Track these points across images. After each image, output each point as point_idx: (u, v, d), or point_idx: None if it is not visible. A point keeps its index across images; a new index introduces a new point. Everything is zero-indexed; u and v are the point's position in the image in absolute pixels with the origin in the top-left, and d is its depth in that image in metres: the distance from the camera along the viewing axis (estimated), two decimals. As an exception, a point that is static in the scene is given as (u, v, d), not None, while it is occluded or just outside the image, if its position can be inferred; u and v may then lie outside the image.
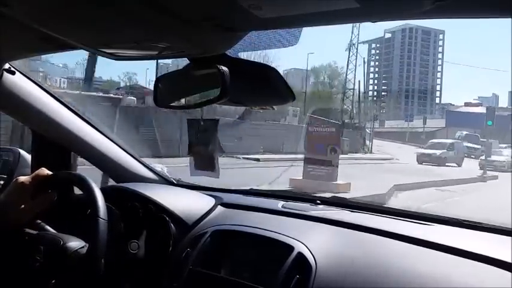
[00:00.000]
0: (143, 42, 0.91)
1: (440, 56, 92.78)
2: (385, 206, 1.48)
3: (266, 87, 1.06)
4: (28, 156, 1.76)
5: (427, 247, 1.14)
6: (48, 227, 1.35)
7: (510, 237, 1.17)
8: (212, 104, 1.00)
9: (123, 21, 0.82)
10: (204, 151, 1.43)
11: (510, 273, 1.00)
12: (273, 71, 1.04)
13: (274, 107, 1.29)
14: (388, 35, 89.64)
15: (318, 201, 1.55)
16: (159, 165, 2.04)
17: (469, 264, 1.06)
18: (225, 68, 0.95)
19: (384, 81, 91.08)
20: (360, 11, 0.71)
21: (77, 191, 1.58)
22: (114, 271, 1.21)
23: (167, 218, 1.43)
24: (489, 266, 1.04)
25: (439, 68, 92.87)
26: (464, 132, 34.72)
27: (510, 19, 0.70)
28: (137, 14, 0.79)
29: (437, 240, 1.15)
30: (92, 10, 0.78)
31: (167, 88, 1.11)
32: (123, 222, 1.43)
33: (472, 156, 28.04)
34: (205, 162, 1.46)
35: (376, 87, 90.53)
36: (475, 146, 30.97)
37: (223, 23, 0.83)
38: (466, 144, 30.33)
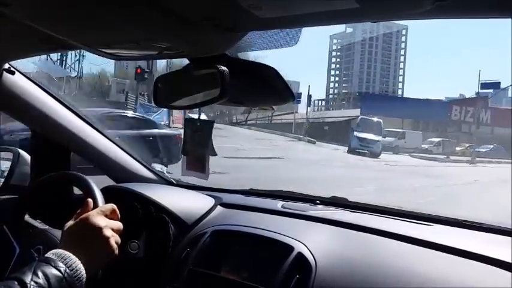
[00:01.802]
0: (143, 42, 0.91)
1: (402, 52, 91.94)
2: (385, 206, 1.48)
3: (265, 87, 1.06)
4: (27, 156, 1.76)
5: (426, 247, 1.14)
6: (46, 226, 1.35)
7: (510, 237, 1.18)
8: (212, 104, 1.00)
9: (123, 21, 0.82)
10: (197, 152, 1.43)
11: (510, 273, 1.00)
12: (272, 70, 1.04)
13: (274, 107, 1.29)
14: (349, 30, 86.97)
15: (318, 201, 1.55)
16: (159, 166, 2.04)
17: (468, 264, 1.06)
18: (224, 68, 0.95)
19: (344, 79, 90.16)
20: (360, 11, 0.72)
21: (77, 191, 1.58)
22: (113, 271, 1.21)
23: (167, 218, 1.43)
24: (489, 266, 1.04)
25: (401, 65, 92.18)
26: (360, 117, 23.94)
27: (510, 19, 0.70)
28: (137, 14, 0.79)
29: (436, 240, 1.15)
30: (92, 10, 0.78)
31: (167, 88, 1.11)
32: (122, 223, 1.43)
33: (366, 152, 19.58)
34: (197, 163, 1.45)
35: (337, 85, 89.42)
36: (373, 137, 20.59)
37: (223, 23, 0.83)
38: (358, 134, 20.73)
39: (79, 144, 1.72)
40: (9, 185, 1.69)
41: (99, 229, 0.98)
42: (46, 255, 0.91)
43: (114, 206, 1.06)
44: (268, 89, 1.06)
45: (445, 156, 23.11)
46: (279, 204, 1.52)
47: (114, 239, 1.00)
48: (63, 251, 0.92)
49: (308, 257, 1.17)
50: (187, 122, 1.37)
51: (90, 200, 1.08)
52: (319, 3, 0.73)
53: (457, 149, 27.54)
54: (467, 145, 27.52)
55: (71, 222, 1.01)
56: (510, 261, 1.02)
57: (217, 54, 0.97)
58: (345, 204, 1.53)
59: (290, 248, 1.21)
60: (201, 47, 0.93)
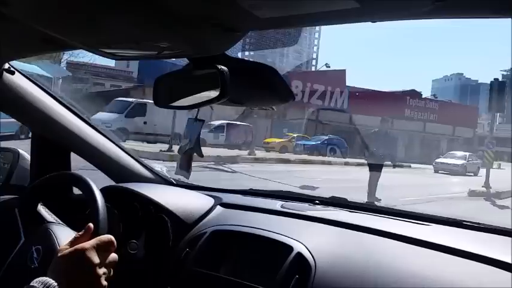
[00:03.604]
0: (143, 42, 0.91)
1: (315, 50, 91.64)
2: (384, 206, 1.48)
3: (265, 87, 1.06)
4: (27, 156, 1.76)
5: (426, 247, 1.14)
6: (53, 220, 1.35)
7: (510, 238, 1.18)
8: (212, 104, 1.01)
9: (123, 21, 0.82)
10: (189, 150, 1.43)
11: (510, 273, 1.00)
12: (272, 71, 1.04)
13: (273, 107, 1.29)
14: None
15: (317, 201, 1.55)
16: (158, 165, 2.04)
17: (468, 264, 1.06)
18: (224, 68, 0.95)
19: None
20: (360, 11, 0.72)
21: (77, 191, 1.58)
22: (113, 271, 1.21)
23: (166, 218, 1.43)
24: (489, 266, 1.04)
25: (313, 63, 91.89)
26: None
27: (510, 19, 0.70)
28: (137, 14, 0.79)
29: (436, 241, 1.15)
30: (92, 10, 0.78)
31: (167, 88, 1.11)
32: (122, 223, 1.43)
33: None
34: (186, 162, 1.45)
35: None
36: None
37: (223, 23, 0.83)
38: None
39: (79, 144, 1.72)
40: (9, 185, 1.69)
41: (93, 266, 0.96)
42: (32, 283, 0.90)
43: (112, 238, 1.04)
44: (268, 89, 1.06)
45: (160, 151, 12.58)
46: (278, 204, 1.52)
47: (105, 277, 0.98)
48: (51, 281, 0.90)
49: (307, 257, 1.17)
50: (190, 121, 1.37)
51: (91, 225, 1.04)
52: (319, 3, 0.73)
53: (273, 141, 20.28)
54: (293, 135, 20.35)
55: (66, 250, 0.98)
56: (510, 261, 1.02)
57: (217, 54, 0.97)
58: (345, 204, 1.53)
59: (289, 248, 1.21)
60: (201, 47, 0.93)
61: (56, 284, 0.90)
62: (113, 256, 1.03)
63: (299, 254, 1.19)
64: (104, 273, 0.98)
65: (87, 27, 0.87)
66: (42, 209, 1.31)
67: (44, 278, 0.91)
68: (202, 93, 1.04)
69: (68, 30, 0.91)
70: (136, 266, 1.38)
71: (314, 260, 1.16)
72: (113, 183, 1.75)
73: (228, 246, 1.35)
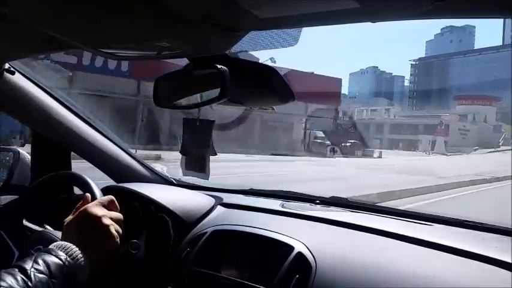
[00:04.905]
0: (143, 42, 0.92)
1: None
2: (385, 206, 1.48)
3: (266, 87, 1.06)
4: (27, 156, 1.76)
5: (427, 247, 1.14)
6: (47, 226, 1.35)
7: (510, 237, 1.18)
8: (212, 104, 1.01)
9: (123, 21, 0.82)
10: (196, 151, 1.43)
11: (510, 273, 1.00)
12: (273, 71, 1.04)
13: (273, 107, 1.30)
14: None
15: (317, 201, 1.55)
16: (159, 165, 2.04)
17: (469, 264, 1.06)
18: (224, 68, 0.95)
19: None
20: (360, 11, 0.72)
21: (77, 190, 1.59)
22: (114, 271, 1.21)
23: (167, 218, 1.43)
24: (489, 266, 1.04)
25: None
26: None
27: (510, 19, 0.70)
28: (137, 14, 0.79)
29: (437, 240, 1.15)
30: (92, 10, 0.78)
31: (167, 88, 1.11)
32: (122, 222, 1.43)
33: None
34: (196, 163, 1.45)
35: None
36: None
37: (223, 23, 0.83)
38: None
39: (79, 143, 1.72)
40: (9, 185, 1.69)
41: (98, 218, 0.98)
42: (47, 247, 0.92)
43: (113, 198, 1.07)
44: (268, 89, 1.06)
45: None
46: (279, 204, 1.52)
47: (114, 228, 1.00)
48: (64, 242, 0.92)
49: (308, 257, 1.17)
50: (186, 122, 1.36)
51: (88, 195, 1.08)
52: (319, 3, 0.73)
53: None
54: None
55: (70, 217, 1.01)
56: (510, 261, 1.02)
57: (217, 54, 0.97)
58: (345, 204, 1.53)
59: (290, 248, 1.21)
60: (201, 47, 0.93)
61: (68, 243, 0.92)
62: (118, 214, 1.04)
63: (300, 254, 1.19)
64: (112, 224, 0.99)
65: (87, 27, 0.87)
66: (28, 223, 1.32)
67: (57, 242, 0.94)
68: (202, 93, 1.04)
69: (68, 30, 0.91)
70: (137, 265, 1.38)
71: (315, 259, 1.16)
72: (113, 182, 1.75)
73: (228, 246, 1.35)
